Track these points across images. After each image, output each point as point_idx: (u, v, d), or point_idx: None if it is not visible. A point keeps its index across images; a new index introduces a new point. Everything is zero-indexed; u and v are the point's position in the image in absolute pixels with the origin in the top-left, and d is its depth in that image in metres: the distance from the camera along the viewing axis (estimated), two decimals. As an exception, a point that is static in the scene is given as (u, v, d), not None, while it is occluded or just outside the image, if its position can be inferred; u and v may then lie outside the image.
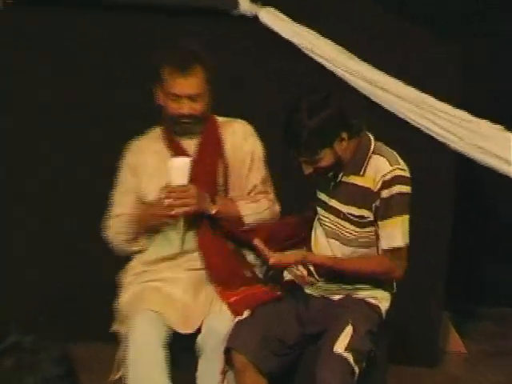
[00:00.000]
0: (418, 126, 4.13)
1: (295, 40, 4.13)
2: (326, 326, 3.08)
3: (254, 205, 3.31)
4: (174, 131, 3.25)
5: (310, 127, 2.90)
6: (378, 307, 3.18)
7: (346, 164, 3.08)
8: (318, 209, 3.21)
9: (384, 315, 3.20)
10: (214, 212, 3.19)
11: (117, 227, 3.37)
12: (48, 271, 4.37)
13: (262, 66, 4.20)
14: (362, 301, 3.15)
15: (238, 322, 3.14)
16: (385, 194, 3.00)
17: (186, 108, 3.15)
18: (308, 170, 3.03)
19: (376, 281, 3.15)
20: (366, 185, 3.05)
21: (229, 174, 3.30)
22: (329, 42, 4.14)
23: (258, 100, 4.19)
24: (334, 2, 4.22)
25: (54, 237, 4.39)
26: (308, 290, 3.23)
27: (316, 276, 3.15)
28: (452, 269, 4.25)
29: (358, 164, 3.08)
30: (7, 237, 4.39)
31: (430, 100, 4.09)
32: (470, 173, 4.37)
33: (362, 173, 3.07)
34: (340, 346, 2.97)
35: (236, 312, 3.14)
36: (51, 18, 4.28)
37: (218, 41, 4.06)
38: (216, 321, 3.15)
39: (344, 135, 2.99)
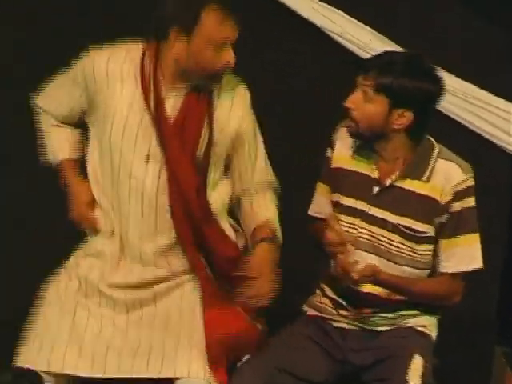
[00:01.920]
0: (465, 122, 3.76)
1: (317, 21, 3.71)
2: (379, 357, 2.85)
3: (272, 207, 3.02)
4: (180, 82, 2.82)
5: (402, 69, 2.68)
6: (430, 336, 2.94)
7: (402, 165, 2.81)
8: (348, 218, 2.87)
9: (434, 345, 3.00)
10: None
11: (46, 119, 3.09)
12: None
13: (276, 45, 3.85)
14: (412, 329, 2.91)
15: (241, 365, 2.89)
16: (456, 207, 2.74)
17: (231, 57, 2.77)
18: (353, 101, 2.74)
19: (421, 306, 2.91)
20: (431, 194, 2.77)
21: (213, 149, 2.91)
22: (360, 24, 3.72)
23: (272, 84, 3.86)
24: None
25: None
26: (340, 324, 2.98)
27: (349, 307, 2.92)
28: (507, 297, 3.94)
29: (420, 167, 2.78)
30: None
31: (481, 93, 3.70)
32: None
33: (425, 178, 2.77)
34: (414, 378, 2.78)
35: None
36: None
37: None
38: None
39: (409, 114, 2.70)
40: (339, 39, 3.75)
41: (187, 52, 2.75)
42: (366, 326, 2.92)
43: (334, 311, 2.97)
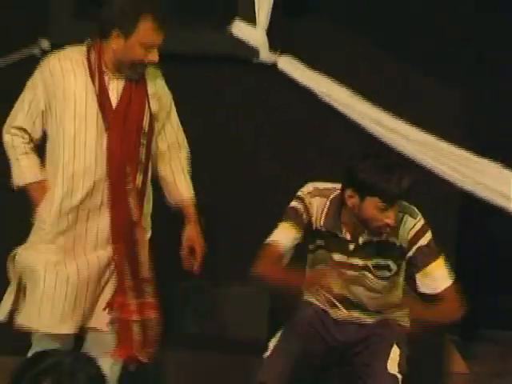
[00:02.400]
0: (425, 165, 4.58)
1: (311, 85, 4.63)
2: (364, 344, 3.50)
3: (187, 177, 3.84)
4: (117, 71, 3.59)
5: (408, 179, 3.29)
6: (406, 328, 3.55)
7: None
8: (329, 264, 3.52)
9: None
10: None
11: (16, 141, 3.69)
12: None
13: (279, 109, 4.70)
14: (394, 322, 3.53)
15: (268, 356, 3.51)
16: (421, 242, 3.39)
17: (156, 57, 3.53)
18: (390, 219, 3.31)
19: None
20: (394, 240, 3.42)
21: (153, 122, 3.65)
22: (342, 88, 4.62)
23: (276, 142, 4.73)
24: (345, 52, 4.75)
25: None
26: (334, 315, 3.59)
27: (342, 308, 3.55)
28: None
29: None
30: None
31: (435, 141, 4.57)
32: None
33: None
34: (393, 367, 3.37)
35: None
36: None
37: (239, 85, 4.63)
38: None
39: None
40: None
41: (124, 49, 3.49)
42: (355, 321, 3.54)
43: (329, 307, 3.57)
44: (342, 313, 3.57)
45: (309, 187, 3.59)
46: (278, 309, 4.61)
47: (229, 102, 4.78)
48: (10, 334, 3.91)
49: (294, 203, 3.55)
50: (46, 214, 3.66)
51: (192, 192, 3.90)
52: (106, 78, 3.59)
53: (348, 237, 3.43)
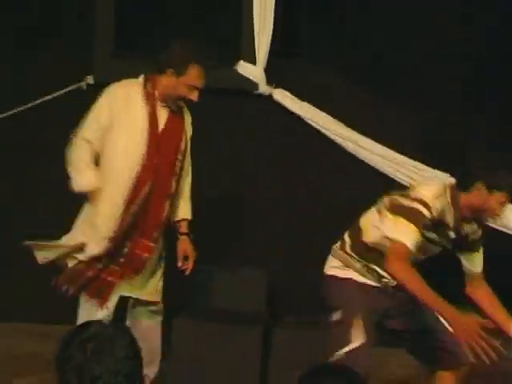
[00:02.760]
0: (389, 174, 5.63)
1: (300, 112, 5.67)
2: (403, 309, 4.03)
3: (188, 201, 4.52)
4: (164, 101, 4.28)
5: None
6: None
7: None
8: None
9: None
10: None
11: (81, 152, 4.29)
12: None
13: (276, 133, 5.73)
14: None
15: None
16: None
17: (196, 96, 4.27)
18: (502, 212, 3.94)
19: None
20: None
21: (186, 144, 4.36)
22: (328, 115, 5.65)
23: (277, 163, 5.77)
24: (326, 85, 5.77)
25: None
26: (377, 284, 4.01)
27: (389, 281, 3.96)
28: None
29: None
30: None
31: (394, 154, 5.63)
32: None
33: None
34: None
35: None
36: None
37: (242, 113, 5.66)
38: None
39: None
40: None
41: (173, 85, 4.23)
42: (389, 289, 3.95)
43: (377, 280, 3.92)
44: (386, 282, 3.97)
45: (427, 190, 3.87)
46: (275, 287, 5.53)
47: (233, 126, 5.76)
48: (62, 305, 4.68)
49: (419, 207, 3.79)
50: (105, 217, 4.27)
51: (189, 214, 4.51)
52: (156, 105, 4.29)
53: (451, 228, 3.92)
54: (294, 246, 5.81)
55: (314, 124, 5.67)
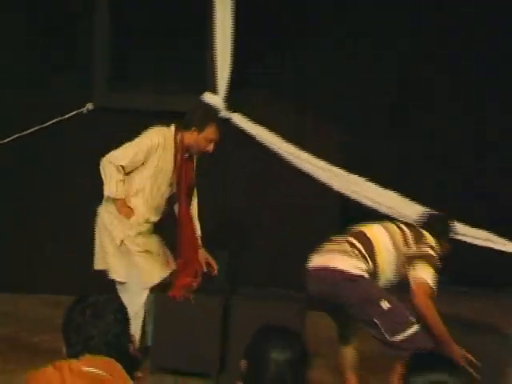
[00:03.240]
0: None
1: (253, 133, 6.92)
2: None
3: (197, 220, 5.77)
4: (186, 150, 5.44)
5: None
6: None
7: None
8: None
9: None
10: None
11: (115, 171, 5.29)
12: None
13: (235, 149, 7.03)
14: None
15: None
16: None
17: (212, 148, 5.43)
18: None
19: None
20: None
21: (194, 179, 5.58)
22: (274, 135, 6.88)
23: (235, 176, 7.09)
24: (271, 109, 7.14)
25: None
26: None
27: None
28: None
29: None
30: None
31: (329, 166, 6.84)
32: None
33: None
34: None
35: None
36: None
37: None
38: None
39: None
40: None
41: (195, 139, 5.39)
42: None
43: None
44: None
45: (430, 240, 4.87)
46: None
47: None
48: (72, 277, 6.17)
49: (433, 253, 4.76)
50: (133, 225, 5.41)
51: (199, 231, 5.64)
52: (182, 153, 5.41)
53: None
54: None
55: (266, 143, 6.91)
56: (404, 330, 4.54)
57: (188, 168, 5.50)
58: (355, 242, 4.80)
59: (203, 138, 5.40)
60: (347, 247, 4.76)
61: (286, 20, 7.40)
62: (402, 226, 4.93)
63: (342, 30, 7.37)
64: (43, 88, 7.38)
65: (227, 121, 6.96)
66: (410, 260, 4.71)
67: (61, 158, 7.37)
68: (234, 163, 7.20)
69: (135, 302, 5.34)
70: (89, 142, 7.17)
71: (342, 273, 4.65)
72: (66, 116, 7.27)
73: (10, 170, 7.42)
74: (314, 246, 5.02)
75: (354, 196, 6.68)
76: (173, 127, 5.47)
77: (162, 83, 7.41)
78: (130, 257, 5.42)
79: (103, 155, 5.49)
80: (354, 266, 4.68)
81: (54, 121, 7.24)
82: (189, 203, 5.56)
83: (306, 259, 4.97)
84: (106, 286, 5.55)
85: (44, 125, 7.24)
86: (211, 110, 5.66)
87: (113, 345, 2.97)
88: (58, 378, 2.86)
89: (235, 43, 6.87)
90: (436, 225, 5.01)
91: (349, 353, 5.20)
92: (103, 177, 5.41)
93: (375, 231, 4.87)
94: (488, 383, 4.43)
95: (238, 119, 7.02)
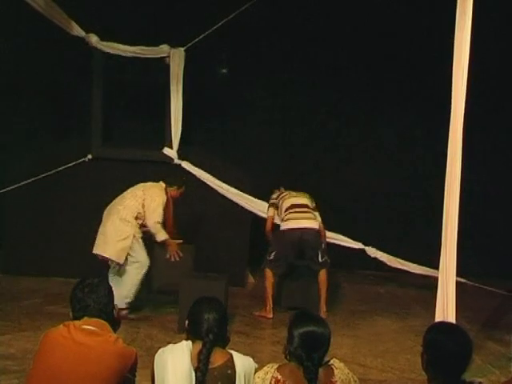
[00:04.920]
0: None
1: (200, 176, 9.84)
2: None
3: None
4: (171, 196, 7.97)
5: None
6: None
7: None
8: None
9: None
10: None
11: (161, 227, 7.87)
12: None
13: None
14: None
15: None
16: None
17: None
18: None
19: None
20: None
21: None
22: (214, 177, 9.88)
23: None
24: (211, 158, 10.01)
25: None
26: None
27: None
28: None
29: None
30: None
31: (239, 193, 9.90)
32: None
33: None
34: None
35: None
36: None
37: (162, 177, 9.03)
38: None
39: None
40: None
41: (175, 192, 8.26)
42: None
43: None
44: None
45: None
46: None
47: (160, 180, 9.18)
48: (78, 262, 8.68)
49: None
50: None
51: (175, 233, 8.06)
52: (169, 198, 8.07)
53: None
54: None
55: (210, 183, 9.82)
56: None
57: (170, 205, 8.34)
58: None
59: (180, 193, 8.22)
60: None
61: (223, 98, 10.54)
62: None
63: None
64: (58, 144, 10.12)
65: (179, 166, 9.88)
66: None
67: (70, 194, 9.77)
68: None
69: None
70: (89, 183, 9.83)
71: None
72: (72, 163, 9.73)
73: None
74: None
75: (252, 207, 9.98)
76: (163, 184, 8.11)
77: (137, 142, 10.17)
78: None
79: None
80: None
81: (65, 166, 9.65)
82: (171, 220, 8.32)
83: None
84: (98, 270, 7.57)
85: (59, 169, 9.61)
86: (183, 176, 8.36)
87: (103, 311, 3.77)
88: (66, 331, 3.67)
89: (184, 116, 9.73)
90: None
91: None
92: (154, 230, 7.90)
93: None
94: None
95: (187, 165, 9.97)
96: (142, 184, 8.23)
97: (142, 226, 7.98)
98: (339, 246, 9.89)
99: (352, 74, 10.78)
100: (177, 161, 9.85)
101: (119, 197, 8.17)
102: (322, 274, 8.36)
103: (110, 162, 9.75)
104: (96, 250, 8.00)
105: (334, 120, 11.10)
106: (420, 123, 10.87)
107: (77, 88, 10.42)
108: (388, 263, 10.06)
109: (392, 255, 10.02)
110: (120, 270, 7.96)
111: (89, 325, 3.73)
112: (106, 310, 3.78)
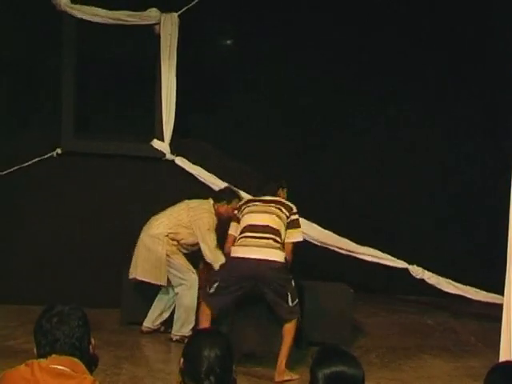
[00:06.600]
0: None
1: (198, 175, 8.48)
2: None
3: None
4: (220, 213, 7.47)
5: None
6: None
7: None
8: None
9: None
10: None
11: (219, 251, 7.30)
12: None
13: (178, 187, 8.39)
14: None
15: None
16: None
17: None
18: None
19: None
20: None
21: None
22: (209, 173, 8.49)
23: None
24: (206, 155, 8.69)
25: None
26: None
27: None
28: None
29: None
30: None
31: None
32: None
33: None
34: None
35: None
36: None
37: (153, 173, 8.41)
38: None
39: None
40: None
41: (225, 209, 7.44)
42: None
43: None
44: None
45: None
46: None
47: (148, 181, 8.46)
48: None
49: None
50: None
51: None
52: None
53: None
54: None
55: (206, 182, 8.50)
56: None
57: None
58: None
59: (231, 208, 7.37)
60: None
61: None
62: None
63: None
64: (20, 135, 8.89)
65: (172, 162, 8.58)
66: None
67: (36, 193, 8.71)
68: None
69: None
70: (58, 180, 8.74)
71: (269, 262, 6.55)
72: (40, 158, 8.62)
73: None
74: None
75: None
76: (211, 201, 7.53)
77: (118, 133, 8.93)
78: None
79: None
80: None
81: (30, 162, 8.59)
82: None
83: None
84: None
85: (23, 165, 8.56)
86: (232, 190, 7.64)
87: (76, 346, 3.44)
88: (29, 373, 3.34)
89: (178, 100, 8.51)
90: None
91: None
92: (210, 253, 7.37)
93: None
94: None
95: (182, 162, 8.61)
96: (186, 201, 7.74)
97: (185, 244, 7.63)
98: (375, 264, 8.69)
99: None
100: (169, 156, 8.58)
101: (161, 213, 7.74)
102: (291, 324, 6.61)
103: (83, 157, 8.66)
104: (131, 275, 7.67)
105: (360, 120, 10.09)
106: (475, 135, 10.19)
107: (43, 64, 9.18)
108: (438, 286, 8.89)
109: (443, 276, 8.83)
110: (176, 296, 7.62)
111: (58, 364, 3.32)
112: (79, 346, 3.38)
